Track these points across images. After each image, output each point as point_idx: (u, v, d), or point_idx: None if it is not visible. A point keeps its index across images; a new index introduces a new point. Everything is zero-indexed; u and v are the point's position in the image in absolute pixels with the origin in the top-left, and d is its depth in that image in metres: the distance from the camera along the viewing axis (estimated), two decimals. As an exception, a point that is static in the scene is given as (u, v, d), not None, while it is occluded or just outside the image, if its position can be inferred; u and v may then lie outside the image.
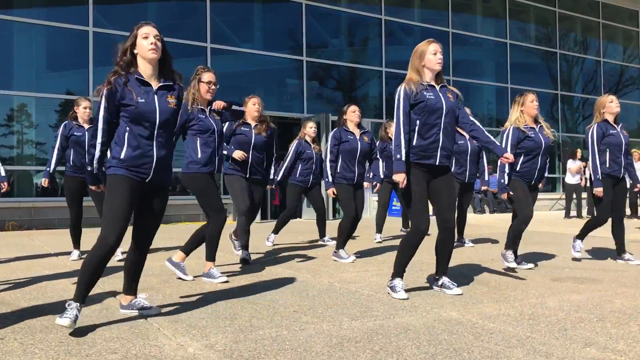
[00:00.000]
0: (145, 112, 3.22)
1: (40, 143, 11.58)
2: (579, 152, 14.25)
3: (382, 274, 5.04)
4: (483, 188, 8.23)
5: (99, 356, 2.70)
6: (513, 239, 5.23)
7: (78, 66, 11.55)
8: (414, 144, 4.02)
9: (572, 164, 13.85)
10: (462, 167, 7.08)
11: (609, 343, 2.92)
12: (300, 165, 7.30)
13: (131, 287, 3.54)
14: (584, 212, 14.30)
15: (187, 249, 4.81)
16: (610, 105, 5.77)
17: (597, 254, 6.55)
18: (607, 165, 5.72)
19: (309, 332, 3.11)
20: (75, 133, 5.91)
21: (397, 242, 7.23)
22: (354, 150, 5.86)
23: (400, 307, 3.75)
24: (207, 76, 4.67)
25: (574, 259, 5.85)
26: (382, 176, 7.62)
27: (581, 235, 5.86)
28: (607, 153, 5.72)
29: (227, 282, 4.62)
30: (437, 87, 4.11)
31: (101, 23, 11.69)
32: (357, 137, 5.93)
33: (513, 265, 5.12)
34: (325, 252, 6.60)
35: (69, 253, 6.17)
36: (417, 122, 4.03)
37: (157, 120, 3.25)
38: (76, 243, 6.00)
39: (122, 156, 3.22)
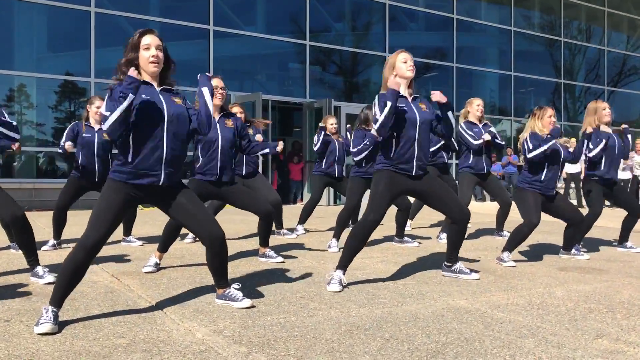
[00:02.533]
0: (151, 109, 3.05)
1: (40, 124, 11.51)
2: (573, 141, 14.20)
3: (387, 261, 5.02)
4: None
5: (106, 340, 2.67)
6: (514, 242, 5.06)
7: (79, 47, 11.43)
8: (391, 155, 3.99)
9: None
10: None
11: (620, 334, 2.89)
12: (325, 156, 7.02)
13: (219, 281, 3.37)
14: (584, 201, 14.29)
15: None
16: (602, 113, 5.71)
17: (600, 243, 6.52)
18: (605, 170, 5.68)
19: (317, 319, 3.09)
20: (84, 134, 5.51)
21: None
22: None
23: (407, 294, 3.73)
24: (214, 82, 4.57)
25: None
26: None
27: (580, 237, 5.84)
28: (604, 157, 5.68)
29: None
30: (410, 99, 4.06)
31: (103, 4, 11.55)
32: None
33: (512, 264, 5.00)
34: (329, 238, 6.56)
35: (75, 239, 6.08)
36: (394, 134, 3.99)
37: (166, 117, 3.08)
38: (57, 233, 5.64)
39: (129, 159, 3.05)
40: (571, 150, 5.67)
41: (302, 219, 7.12)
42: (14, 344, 2.59)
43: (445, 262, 4.36)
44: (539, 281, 4.25)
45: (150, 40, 3.08)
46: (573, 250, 5.42)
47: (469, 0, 16.94)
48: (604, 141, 5.59)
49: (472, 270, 4.34)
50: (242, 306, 3.27)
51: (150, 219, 8.50)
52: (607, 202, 9.83)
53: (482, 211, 11.33)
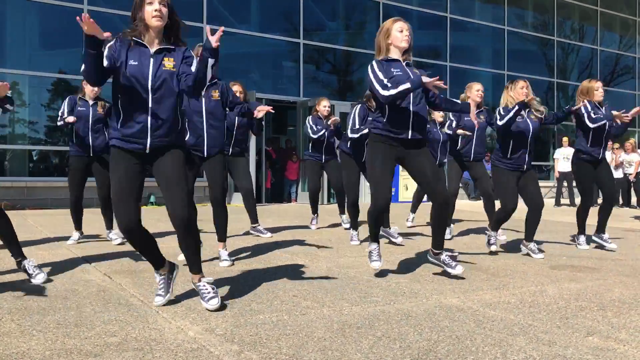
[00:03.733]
0: (136, 75, 3.08)
1: (33, 122, 11.45)
2: (565, 140, 14.31)
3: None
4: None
5: (97, 339, 2.66)
6: (496, 224, 5.43)
7: (72, 45, 11.35)
8: (384, 120, 4.00)
9: (562, 152, 13.97)
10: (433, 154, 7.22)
11: (611, 332, 2.91)
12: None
13: (190, 267, 3.34)
14: (577, 200, 14.37)
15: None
16: (596, 93, 5.74)
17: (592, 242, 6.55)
18: (589, 145, 5.71)
19: (309, 317, 3.09)
20: (79, 107, 5.72)
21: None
22: None
23: (400, 293, 3.74)
24: (235, 87, 4.63)
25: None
26: None
27: (581, 229, 5.98)
28: (590, 133, 5.70)
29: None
30: (403, 63, 4.07)
31: (96, 1, 11.50)
32: None
33: (494, 248, 5.37)
34: (322, 237, 6.58)
35: (66, 237, 6.06)
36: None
37: (149, 84, 3.10)
38: (77, 224, 5.88)
39: (118, 126, 3.13)
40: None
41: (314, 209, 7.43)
42: (4, 343, 2.58)
43: (432, 249, 4.24)
44: (531, 279, 4.27)
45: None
46: (532, 245, 5.36)
47: (462, -1, 16.98)
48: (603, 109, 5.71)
49: (456, 263, 4.18)
50: (208, 307, 3.15)
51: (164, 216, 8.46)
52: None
53: (475, 209, 11.36)
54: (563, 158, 13.90)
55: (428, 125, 6.89)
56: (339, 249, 5.65)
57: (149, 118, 3.11)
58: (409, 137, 4.04)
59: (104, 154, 5.69)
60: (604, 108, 5.79)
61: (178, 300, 3.42)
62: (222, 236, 4.74)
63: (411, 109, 4.01)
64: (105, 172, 5.55)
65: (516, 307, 3.41)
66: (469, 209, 11.41)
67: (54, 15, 11.34)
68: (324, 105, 7.08)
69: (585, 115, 5.64)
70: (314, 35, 14.40)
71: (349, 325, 2.95)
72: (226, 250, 4.76)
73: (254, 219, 6.51)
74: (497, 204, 5.65)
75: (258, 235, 6.46)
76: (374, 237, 4.30)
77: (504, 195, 5.25)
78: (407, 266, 4.72)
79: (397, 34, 4.04)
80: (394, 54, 4.09)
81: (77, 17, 2.89)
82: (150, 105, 3.11)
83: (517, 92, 5.21)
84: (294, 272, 4.39)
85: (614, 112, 5.61)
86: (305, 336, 2.75)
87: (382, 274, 4.34)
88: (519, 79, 5.32)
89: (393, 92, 3.87)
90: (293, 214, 9.73)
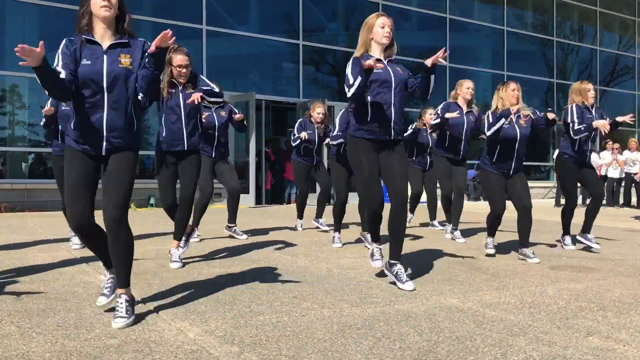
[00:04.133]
0: (89, 75, 2.91)
1: (32, 124, 11.45)
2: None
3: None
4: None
5: (97, 340, 2.66)
6: (490, 230, 5.40)
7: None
8: (367, 119, 3.95)
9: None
10: (422, 159, 7.39)
11: (611, 332, 2.91)
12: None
13: (117, 279, 3.15)
14: (578, 201, 14.36)
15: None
16: (588, 94, 5.73)
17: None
18: (576, 149, 5.70)
19: (309, 318, 3.09)
20: (64, 107, 5.43)
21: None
22: None
23: (400, 294, 3.73)
24: (178, 59, 4.51)
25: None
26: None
27: (566, 230, 5.98)
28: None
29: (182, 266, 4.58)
30: (385, 61, 4.04)
31: (95, 3, 11.50)
32: None
33: (492, 251, 5.34)
34: (322, 238, 6.57)
35: (66, 239, 6.06)
36: (368, 97, 3.94)
37: (105, 83, 2.92)
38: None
39: (72, 127, 2.98)
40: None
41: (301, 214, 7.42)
42: (4, 345, 2.58)
43: (389, 259, 4.02)
44: (531, 280, 4.27)
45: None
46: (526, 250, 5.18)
47: (462, 0, 16.99)
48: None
49: (408, 279, 3.91)
50: (113, 324, 2.88)
51: (163, 217, 8.48)
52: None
53: (475, 210, 11.36)
54: None
55: (411, 128, 7.02)
56: (338, 251, 5.65)
57: (105, 120, 2.96)
58: (391, 137, 4.00)
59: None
60: (594, 109, 5.77)
61: (178, 302, 3.42)
62: (178, 235, 4.66)
63: (392, 111, 3.95)
64: None
65: (516, 307, 3.41)
66: (468, 209, 11.40)
67: (53, 17, 11.35)
68: (317, 112, 6.94)
69: (571, 124, 5.65)
70: (314, 37, 14.41)
71: (349, 326, 2.95)
72: (179, 250, 4.67)
73: (233, 219, 6.47)
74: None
75: (232, 237, 6.41)
76: (375, 237, 4.27)
77: (492, 198, 5.23)
78: (406, 267, 4.72)
79: (379, 30, 4.01)
80: (375, 50, 4.05)
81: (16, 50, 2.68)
82: (105, 106, 2.95)
83: (509, 94, 5.17)
84: (294, 273, 4.39)
85: (596, 122, 5.51)
86: (305, 337, 2.75)
87: (382, 274, 4.33)
88: (510, 81, 5.29)
89: (352, 90, 3.85)
90: (293, 215, 9.71)
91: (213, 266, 4.64)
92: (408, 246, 5.99)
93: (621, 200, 14.30)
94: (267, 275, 4.30)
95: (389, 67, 4.02)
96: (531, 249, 5.28)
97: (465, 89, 6.44)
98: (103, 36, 3.00)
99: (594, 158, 14.09)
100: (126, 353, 2.49)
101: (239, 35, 13.34)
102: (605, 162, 14.30)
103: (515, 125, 5.20)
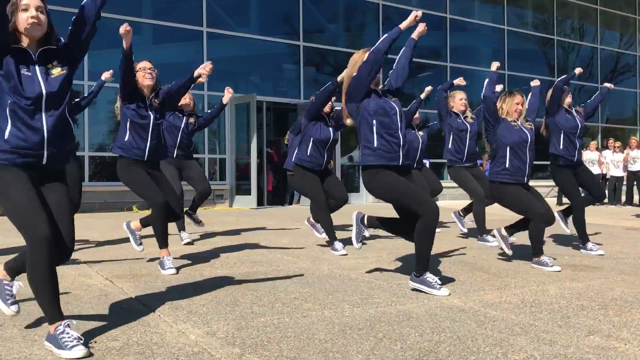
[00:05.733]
0: (24, 86, 2.66)
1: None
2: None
3: (381, 261, 5.03)
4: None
5: (99, 343, 2.67)
6: (537, 244, 4.85)
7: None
8: (374, 145, 3.90)
9: None
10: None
11: (612, 331, 2.91)
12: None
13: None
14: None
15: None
16: (563, 96, 5.74)
17: (594, 241, 6.55)
18: (562, 148, 5.66)
19: (311, 319, 3.09)
20: None
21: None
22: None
23: (401, 294, 3.74)
24: (141, 64, 4.53)
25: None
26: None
27: (584, 236, 5.67)
28: (562, 136, 5.66)
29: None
30: (379, 90, 4.05)
31: (95, 6, 11.52)
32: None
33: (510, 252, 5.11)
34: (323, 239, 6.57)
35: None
36: (374, 122, 3.92)
37: (44, 95, 2.70)
38: None
39: (6, 137, 2.65)
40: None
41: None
42: (7, 348, 2.59)
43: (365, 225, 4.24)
44: (533, 279, 4.27)
45: (27, 1, 2.69)
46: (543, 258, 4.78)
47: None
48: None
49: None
50: (65, 356, 2.50)
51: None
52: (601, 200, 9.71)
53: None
54: None
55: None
56: (340, 251, 5.65)
57: (45, 126, 2.71)
58: (400, 163, 3.95)
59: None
60: (574, 110, 5.75)
61: (179, 303, 3.42)
62: (164, 243, 4.58)
63: (400, 135, 3.94)
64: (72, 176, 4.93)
65: (517, 307, 3.41)
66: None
67: (53, 21, 11.34)
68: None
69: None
70: (314, 38, 14.41)
71: (350, 327, 2.95)
72: (170, 257, 4.56)
73: (194, 209, 6.32)
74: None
75: (190, 223, 6.33)
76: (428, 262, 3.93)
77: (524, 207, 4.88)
78: (407, 267, 4.72)
79: None
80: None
81: None
82: (43, 114, 2.71)
83: (512, 108, 4.91)
84: (295, 274, 4.39)
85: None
86: (306, 338, 2.76)
87: (382, 275, 4.34)
88: (517, 92, 4.98)
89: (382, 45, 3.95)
90: (294, 216, 9.73)
91: (214, 267, 4.65)
92: (409, 247, 5.99)
93: (623, 199, 14.29)
94: (269, 276, 4.31)
95: (386, 99, 4.01)
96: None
97: (459, 100, 6.48)
98: (31, 46, 2.77)
99: (593, 156, 14.10)
100: (128, 355, 2.50)
101: (240, 37, 13.36)
102: (612, 160, 14.32)
103: (523, 128, 4.95)
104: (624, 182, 14.25)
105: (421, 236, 3.82)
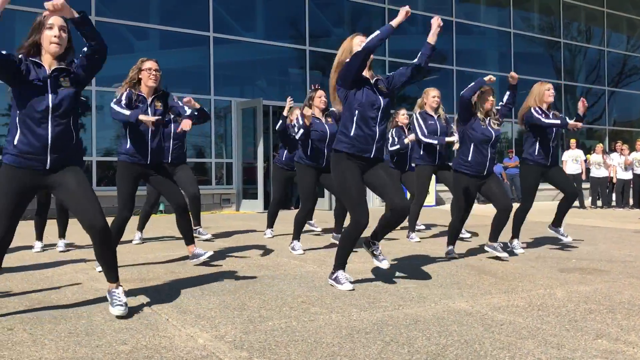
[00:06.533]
0: (35, 95, 3.05)
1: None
2: (573, 142, 14.34)
3: (388, 265, 5.03)
4: None
5: (108, 347, 2.69)
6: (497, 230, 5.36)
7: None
8: (351, 134, 3.96)
9: (570, 154, 13.97)
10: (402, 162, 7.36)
11: (620, 335, 2.90)
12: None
13: (107, 275, 3.40)
14: (587, 202, 14.30)
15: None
16: (547, 93, 5.73)
17: (601, 244, 6.53)
18: (536, 153, 5.70)
19: (318, 323, 3.10)
20: None
21: (402, 232, 7.23)
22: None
23: (408, 298, 3.74)
24: (149, 64, 4.56)
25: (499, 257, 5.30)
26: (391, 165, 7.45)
27: (516, 232, 5.84)
28: (538, 139, 5.70)
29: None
30: (372, 81, 4.05)
31: (103, 12, 11.62)
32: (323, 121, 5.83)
33: (504, 254, 5.22)
34: (331, 242, 6.58)
35: (77, 246, 6.13)
36: (356, 112, 3.97)
37: (50, 107, 3.07)
38: (61, 231, 5.98)
39: (15, 143, 3.07)
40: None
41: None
42: (17, 352, 2.62)
43: (371, 239, 4.19)
44: (540, 282, 4.26)
45: (53, 21, 3.09)
46: (496, 244, 5.31)
47: (468, 3, 16.99)
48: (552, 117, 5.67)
49: (385, 258, 4.16)
50: (114, 313, 3.19)
51: (172, 224, 8.52)
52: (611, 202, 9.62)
53: (485, 213, 11.33)
54: (571, 160, 13.87)
55: (389, 135, 6.98)
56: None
57: (49, 135, 3.07)
58: (372, 156, 4.01)
59: None
60: (551, 114, 5.77)
61: (187, 307, 3.44)
62: (191, 239, 4.89)
63: (377, 128, 3.98)
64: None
65: (525, 310, 3.41)
66: (477, 212, 11.37)
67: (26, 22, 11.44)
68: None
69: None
70: (320, 42, 14.44)
71: (358, 331, 2.96)
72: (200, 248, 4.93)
73: (197, 220, 6.60)
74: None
75: (198, 237, 6.45)
76: (343, 263, 4.12)
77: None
78: (415, 271, 4.73)
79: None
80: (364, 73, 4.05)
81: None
82: (50, 122, 3.07)
83: (485, 100, 5.26)
84: (302, 278, 4.41)
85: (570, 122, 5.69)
86: (314, 342, 2.77)
87: (390, 279, 4.35)
88: (490, 88, 5.29)
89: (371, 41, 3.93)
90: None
91: (222, 271, 4.67)
92: (415, 250, 6.00)
93: (631, 202, 14.22)
94: (276, 280, 4.32)
95: (375, 89, 4.03)
96: (538, 252, 5.28)
97: (432, 97, 6.54)
98: (47, 62, 3.15)
99: (598, 159, 14.04)
100: (137, 359, 2.52)
101: (246, 42, 13.41)
102: (619, 163, 14.27)
103: (489, 127, 5.27)
104: (631, 185, 14.18)
105: (344, 238, 4.09)
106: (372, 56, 4.02)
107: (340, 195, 4.15)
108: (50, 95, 3.07)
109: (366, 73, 4.07)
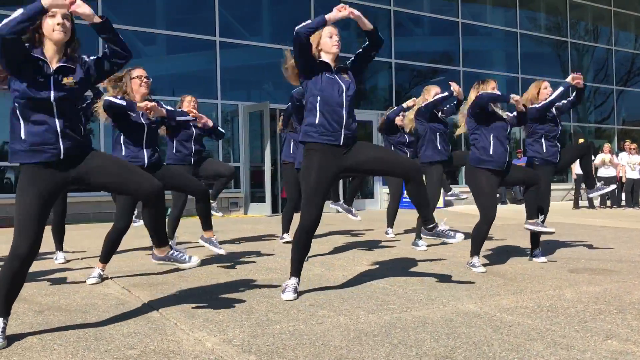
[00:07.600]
0: (38, 90, 2.84)
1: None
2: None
3: (395, 268, 5.03)
4: None
5: (117, 352, 2.70)
6: (478, 244, 4.86)
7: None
8: (316, 122, 3.78)
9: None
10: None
11: (630, 335, 2.88)
12: None
13: (160, 241, 3.30)
14: (596, 202, 14.21)
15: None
16: (544, 92, 5.66)
17: (611, 244, 6.49)
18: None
19: (326, 326, 3.10)
20: None
21: (409, 235, 7.23)
22: None
23: (416, 300, 3.73)
24: (138, 71, 4.50)
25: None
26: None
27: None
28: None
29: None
30: (334, 69, 3.92)
31: (110, 18, 11.60)
32: None
33: (482, 269, 4.75)
34: (338, 245, 6.58)
35: (83, 252, 6.16)
36: (318, 98, 3.80)
37: (52, 99, 2.86)
38: (60, 243, 5.64)
39: (23, 137, 2.85)
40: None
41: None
42: (27, 357, 2.63)
43: (424, 227, 4.00)
44: (549, 283, 4.24)
45: (56, 9, 2.83)
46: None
47: (474, 3, 16.96)
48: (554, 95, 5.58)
49: (455, 232, 3.93)
50: (190, 266, 3.32)
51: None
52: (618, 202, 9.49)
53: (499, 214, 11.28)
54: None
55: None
56: (355, 258, 5.66)
57: (57, 122, 2.87)
58: (340, 143, 3.78)
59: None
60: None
61: (195, 311, 3.45)
62: (209, 225, 4.92)
63: (344, 113, 3.82)
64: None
65: (534, 311, 3.39)
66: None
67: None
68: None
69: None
70: (326, 45, 14.44)
71: (366, 334, 2.95)
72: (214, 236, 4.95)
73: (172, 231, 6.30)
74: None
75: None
76: (298, 270, 3.92)
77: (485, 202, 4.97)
78: (422, 273, 4.72)
79: (327, 40, 3.89)
80: (325, 59, 3.93)
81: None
82: (55, 112, 2.88)
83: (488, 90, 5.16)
84: (310, 281, 4.40)
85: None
86: (322, 345, 2.77)
87: (397, 281, 4.34)
88: (490, 80, 5.27)
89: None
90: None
91: (230, 275, 4.67)
92: (423, 254, 5.98)
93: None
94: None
95: (337, 76, 3.90)
96: (548, 252, 5.24)
97: (433, 95, 6.46)
98: (52, 58, 2.94)
99: (606, 158, 13.94)
100: (145, 363, 2.53)
101: (252, 46, 13.45)
102: (628, 162, 14.19)
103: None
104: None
105: (294, 240, 3.93)
106: (335, 47, 3.91)
107: (303, 192, 3.86)
108: (52, 92, 2.87)
109: (328, 59, 3.92)
